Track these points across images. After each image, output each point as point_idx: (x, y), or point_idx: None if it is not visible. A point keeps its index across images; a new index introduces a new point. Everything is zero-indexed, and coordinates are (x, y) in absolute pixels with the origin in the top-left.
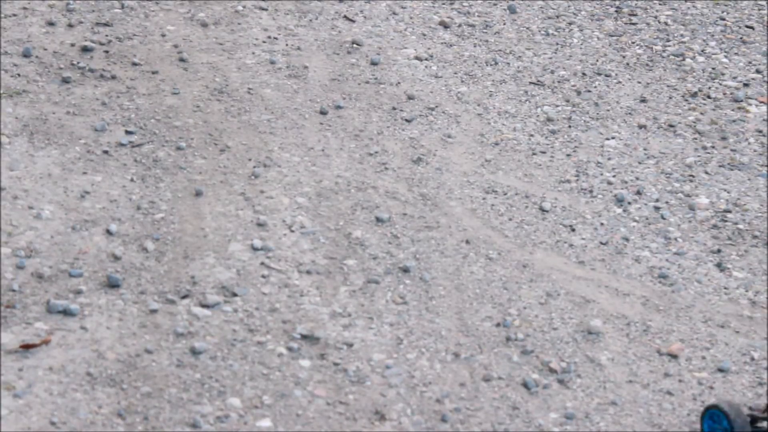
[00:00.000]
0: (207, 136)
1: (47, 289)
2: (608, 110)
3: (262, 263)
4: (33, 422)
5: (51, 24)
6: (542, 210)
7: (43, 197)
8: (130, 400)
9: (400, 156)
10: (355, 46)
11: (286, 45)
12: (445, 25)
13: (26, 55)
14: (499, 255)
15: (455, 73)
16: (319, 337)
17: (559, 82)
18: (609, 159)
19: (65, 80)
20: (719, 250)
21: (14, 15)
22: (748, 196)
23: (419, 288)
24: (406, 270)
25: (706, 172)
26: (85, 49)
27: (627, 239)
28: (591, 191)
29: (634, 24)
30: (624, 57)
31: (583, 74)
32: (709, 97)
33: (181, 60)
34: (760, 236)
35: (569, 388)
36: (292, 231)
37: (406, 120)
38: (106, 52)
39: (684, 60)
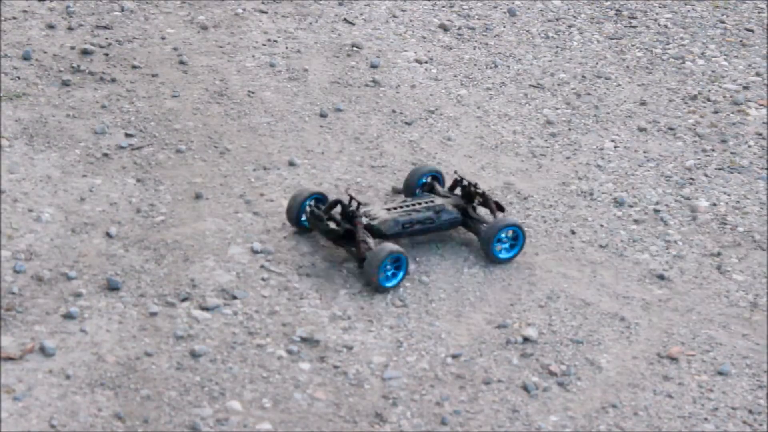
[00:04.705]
0: (207, 139)
1: (47, 292)
2: (608, 113)
3: (262, 266)
4: (33, 425)
5: (51, 27)
6: (542, 213)
7: (42, 200)
8: (130, 403)
9: (400, 159)
10: (355, 49)
11: (286, 48)
12: (445, 28)
13: (26, 58)
14: None
15: (455, 76)
16: (319, 340)
17: (558, 84)
18: (609, 162)
19: (65, 83)
20: (719, 253)
21: (14, 18)
22: (748, 198)
23: (419, 291)
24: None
25: (706, 175)
26: (85, 52)
27: (627, 242)
28: (591, 194)
29: (633, 27)
30: (624, 60)
31: (583, 77)
32: (708, 100)
33: (181, 63)
34: (760, 239)
35: (569, 391)
36: (292, 234)
37: (406, 123)
38: (106, 54)
39: (684, 63)
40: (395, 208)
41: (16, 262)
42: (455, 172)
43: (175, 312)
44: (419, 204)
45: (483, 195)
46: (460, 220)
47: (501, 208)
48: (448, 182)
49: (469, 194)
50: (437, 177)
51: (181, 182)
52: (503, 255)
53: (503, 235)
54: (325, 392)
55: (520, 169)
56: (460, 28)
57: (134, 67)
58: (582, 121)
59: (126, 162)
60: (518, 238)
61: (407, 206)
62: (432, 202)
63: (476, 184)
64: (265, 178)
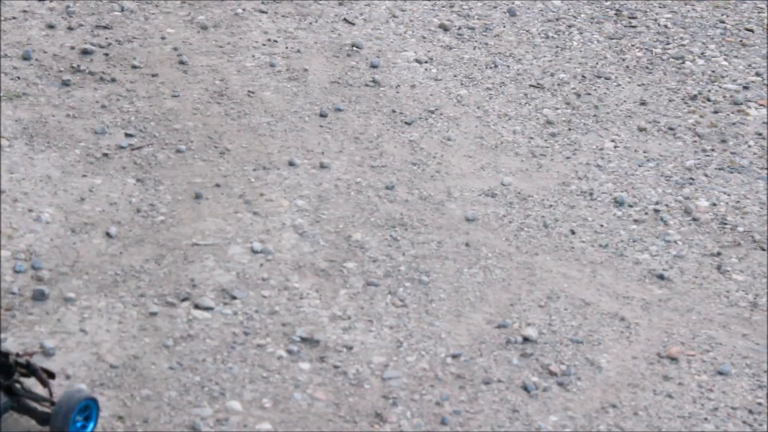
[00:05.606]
0: (207, 139)
1: (47, 292)
2: (608, 113)
3: (262, 266)
4: (33, 425)
5: (51, 27)
6: (542, 213)
7: (42, 200)
8: (130, 403)
9: (400, 159)
10: (354, 48)
11: (286, 48)
12: (444, 28)
13: (26, 57)
14: (498, 258)
15: (455, 76)
16: (319, 340)
17: (558, 84)
18: (609, 162)
19: (65, 83)
20: (719, 253)
21: (14, 18)
22: (748, 198)
23: (419, 291)
24: (405, 273)
25: (706, 175)
26: (85, 52)
27: (627, 242)
28: (591, 194)
29: (633, 27)
30: (624, 60)
31: (583, 77)
32: (708, 99)
33: (181, 63)
34: (760, 239)
35: (569, 390)
36: (292, 234)
37: (406, 123)
38: (106, 54)
39: (684, 63)
40: None
41: (16, 262)
42: None
43: (175, 312)
44: None
45: (28, 365)
46: (9, 405)
47: (51, 375)
48: None
49: (6, 367)
50: None
51: (181, 182)
52: None
53: (78, 416)
54: (325, 392)
55: (520, 169)
56: (460, 28)
57: (134, 67)
58: (582, 121)
59: (126, 162)
60: (90, 409)
61: None
62: None
63: (17, 353)
64: (265, 178)
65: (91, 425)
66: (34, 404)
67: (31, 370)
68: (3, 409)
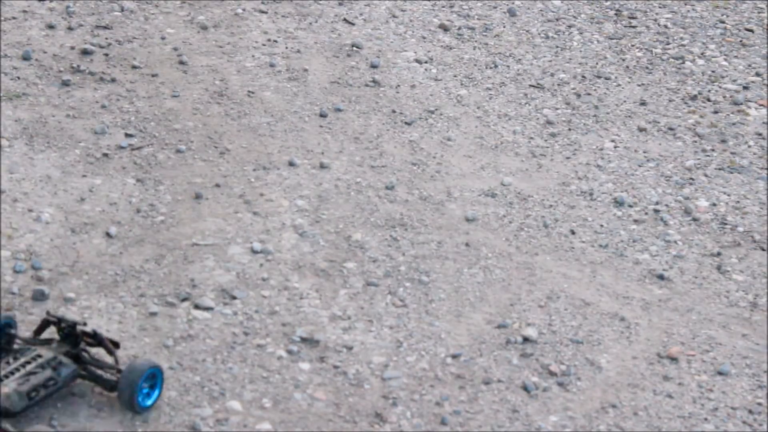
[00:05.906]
0: (207, 139)
1: (47, 292)
2: (608, 113)
3: (262, 266)
4: (33, 425)
5: (51, 27)
6: (542, 213)
7: (42, 200)
8: None
9: (400, 159)
10: (354, 49)
11: (286, 48)
12: (444, 28)
13: (26, 58)
14: (498, 258)
15: (455, 76)
16: (319, 340)
17: (558, 85)
18: (609, 162)
19: (65, 83)
20: (719, 253)
21: (14, 18)
22: (748, 198)
23: (419, 291)
24: (405, 273)
25: (706, 175)
26: (85, 52)
27: (627, 242)
28: (591, 194)
29: (633, 27)
30: (624, 60)
31: (583, 77)
32: (708, 100)
33: (181, 63)
34: (760, 239)
35: (569, 390)
36: (292, 234)
37: (406, 123)
38: (106, 55)
39: (684, 63)
40: (6, 376)
41: (16, 262)
42: (47, 312)
43: (174, 312)
44: (28, 362)
45: (94, 334)
46: (77, 372)
47: (116, 345)
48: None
49: (73, 336)
50: (10, 324)
51: (181, 182)
52: (148, 402)
53: (145, 384)
54: (325, 392)
55: (520, 169)
56: (460, 28)
57: (134, 67)
58: (582, 121)
59: (126, 162)
60: (156, 378)
61: (16, 368)
62: (40, 356)
63: (84, 322)
64: (265, 178)
65: (156, 393)
66: (100, 372)
67: (97, 340)
68: (72, 376)
